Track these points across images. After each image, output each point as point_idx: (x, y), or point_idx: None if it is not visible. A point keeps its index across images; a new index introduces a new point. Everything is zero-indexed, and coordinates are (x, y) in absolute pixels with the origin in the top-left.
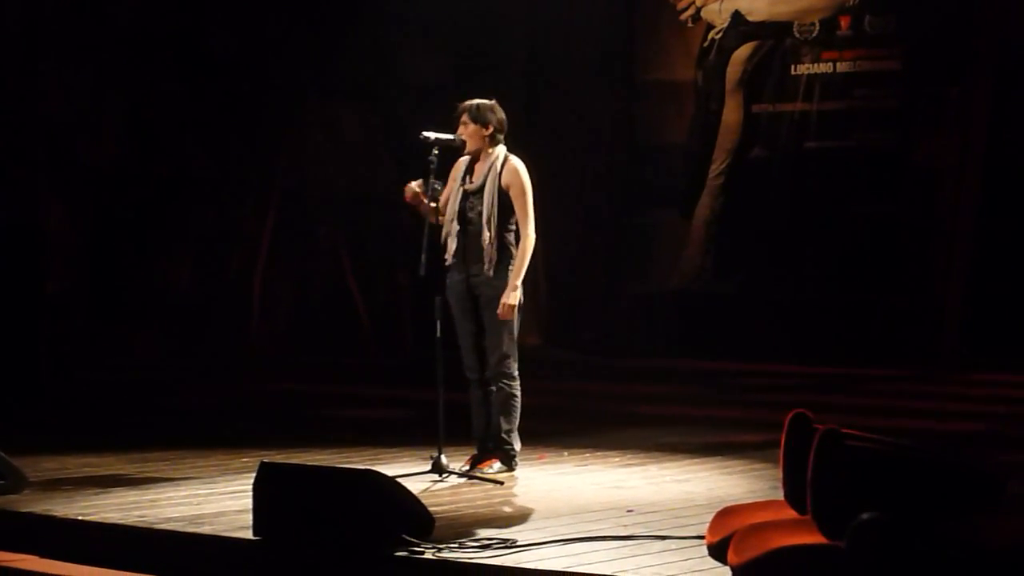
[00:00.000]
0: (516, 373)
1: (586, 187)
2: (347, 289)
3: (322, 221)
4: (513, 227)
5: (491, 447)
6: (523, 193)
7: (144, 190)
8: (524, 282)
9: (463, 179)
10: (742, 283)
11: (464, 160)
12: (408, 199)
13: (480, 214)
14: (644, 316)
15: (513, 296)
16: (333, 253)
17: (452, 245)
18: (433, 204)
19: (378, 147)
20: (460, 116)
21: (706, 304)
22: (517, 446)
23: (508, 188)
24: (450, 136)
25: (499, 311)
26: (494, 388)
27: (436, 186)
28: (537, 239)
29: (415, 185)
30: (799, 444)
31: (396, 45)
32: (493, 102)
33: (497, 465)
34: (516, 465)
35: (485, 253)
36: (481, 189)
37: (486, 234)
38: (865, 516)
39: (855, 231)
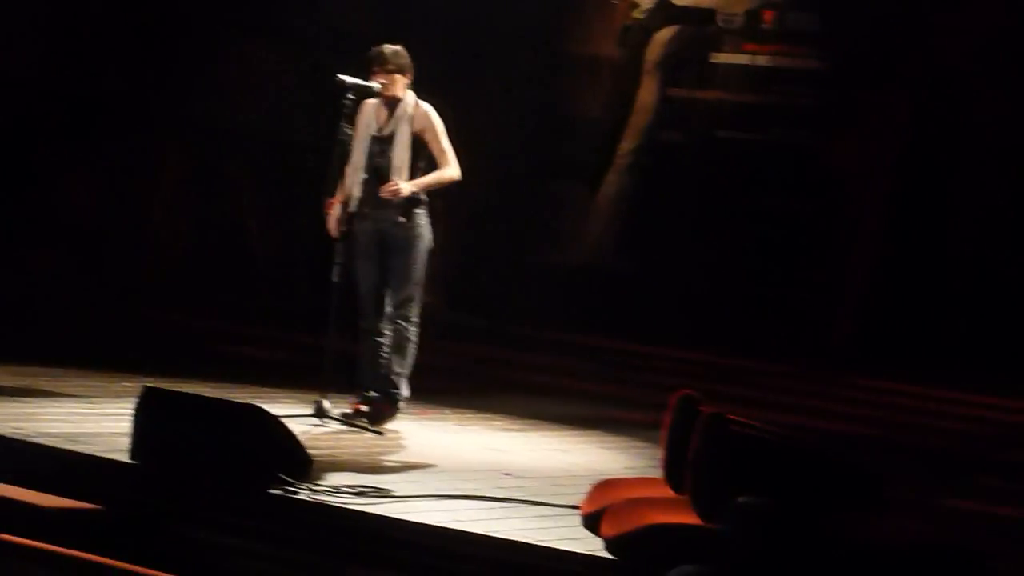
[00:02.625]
0: (416, 319)
1: (499, 152)
2: (246, 227)
3: (229, 158)
4: (424, 174)
5: (377, 392)
6: (437, 134)
7: (56, 107)
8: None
9: (375, 126)
10: (641, 263)
11: (370, 105)
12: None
13: (391, 161)
14: (544, 286)
15: (406, 188)
16: (236, 191)
17: (360, 192)
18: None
19: (293, 89)
20: (381, 63)
21: (605, 281)
22: (405, 392)
23: (422, 132)
24: (367, 83)
25: (386, 187)
26: (392, 330)
27: (347, 131)
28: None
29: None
30: (683, 424)
31: None
32: (402, 48)
33: (379, 414)
34: (400, 410)
35: (400, 196)
36: (392, 136)
37: (401, 177)
38: (745, 500)
39: (760, 224)
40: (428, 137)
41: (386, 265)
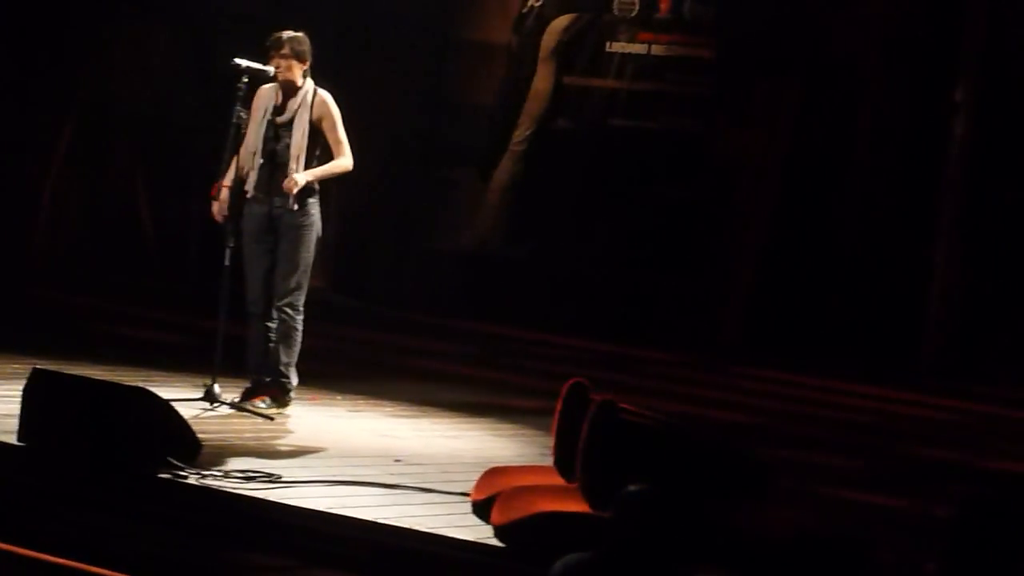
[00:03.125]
0: (302, 307)
1: (389, 136)
2: (137, 209)
3: (120, 138)
4: (318, 161)
5: (266, 380)
6: (334, 123)
7: None
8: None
9: (272, 111)
10: (533, 251)
11: (267, 90)
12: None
13: (288, 147)
14: (433, 272)
15: (302, 179)
16: (128, 171)
17: (254, 177)
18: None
19: (185, 71)
20: (278, 48)
21: (495, 268)
22: (294, 380)
23: (320, 120)
24: (264, 67)
25: (285, 182)
26: (277, 319)
27: (242, 114)
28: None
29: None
30: (574, 412)
31: None
32: (303, 34)
33: (269, 400)
34: (291, 400)
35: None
36: (291, 122)
37: (292, 167)
38: (632, 488)
39: (652, 212)
40: (325, 125)
41: (275, 251)
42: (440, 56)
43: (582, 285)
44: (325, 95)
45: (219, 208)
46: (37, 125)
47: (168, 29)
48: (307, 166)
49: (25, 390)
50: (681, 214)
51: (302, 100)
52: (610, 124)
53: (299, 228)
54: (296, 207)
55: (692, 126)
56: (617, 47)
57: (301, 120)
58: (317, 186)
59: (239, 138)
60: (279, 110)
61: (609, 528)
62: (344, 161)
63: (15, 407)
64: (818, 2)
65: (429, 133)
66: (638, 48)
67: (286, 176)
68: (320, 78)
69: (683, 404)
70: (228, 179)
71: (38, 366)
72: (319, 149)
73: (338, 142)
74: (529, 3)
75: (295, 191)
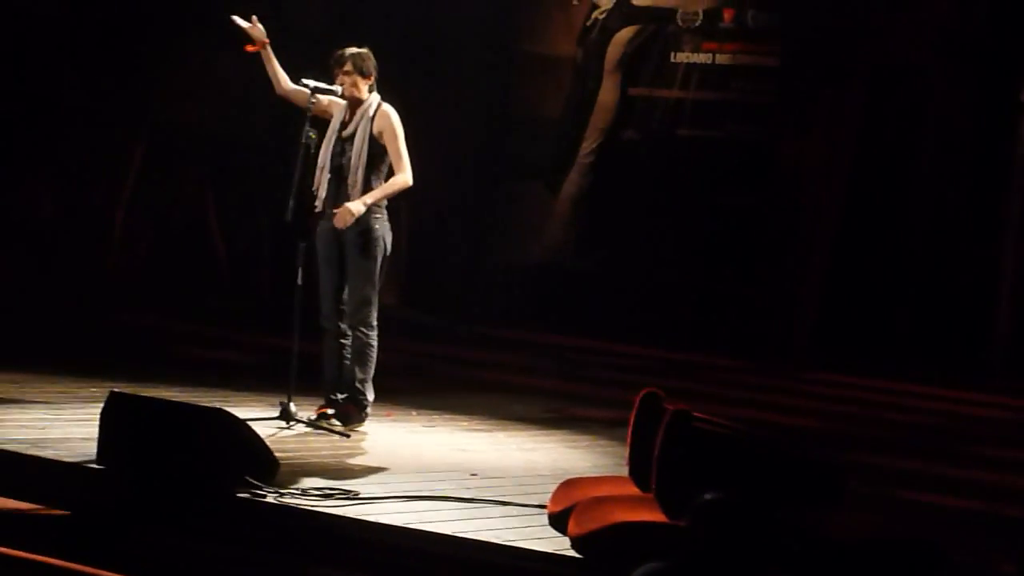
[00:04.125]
0: (375, 323)
1: (457, 152)
2: (208, 228)
3: (190, 159)
4: (383, 175)
5: (342, 397)
6: (395, 137)
7: (13, 109)
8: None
9: (339, 126)
10: (602, 262)
11: (339, 106)
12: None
13: (351, 160)
14: (504, 286)
15: (357, 206)
16: (198, 192)
17: (323, 192)
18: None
19: (254, 91)
20: (341, 65)
21: (566, 280)
22: (370, 396)
23: (380, 134)
24: (331, 86)
25: (339, 212)
26: (351, 336)
27: (311, 133)
28: (412, 189)
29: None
30: (648, 422)
31: None
32: (367, 51)
33: (345, 417)
34: (367, 415)
35: (352, 198)
36: (353, 136)
37: (351, 181)
38: (708, 496)
39: (719, 221)
40: (386, 138)
41: (344, 267)
42: (506, 70)
43: (653, 294)
44: (387, 109)
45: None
46: (108, 148)
47: (233, 50)
48: (370, 181)
49: (103, 413)
50: (749, 221)
51: (365, 114)
52: (676, 134)
53: (364, 244)
54: (360, 222)
55: (758, 134)
56: (681, 57)
57: (363, 134)
58: (384, 202)
59: (308, 156)
60: (345, 125)
61: (685, 537)
62: (402, 177)
63: (93, 430)
64: (880, 7)
65: (497, 147)
66: (702, 58)
67: (348, 190)
68: (386, 93)
69: (755, 410)
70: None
71: (115, 389)
72: (384, 164)
73: (398, 157)
74: (593, 16)
75: (350, 222)
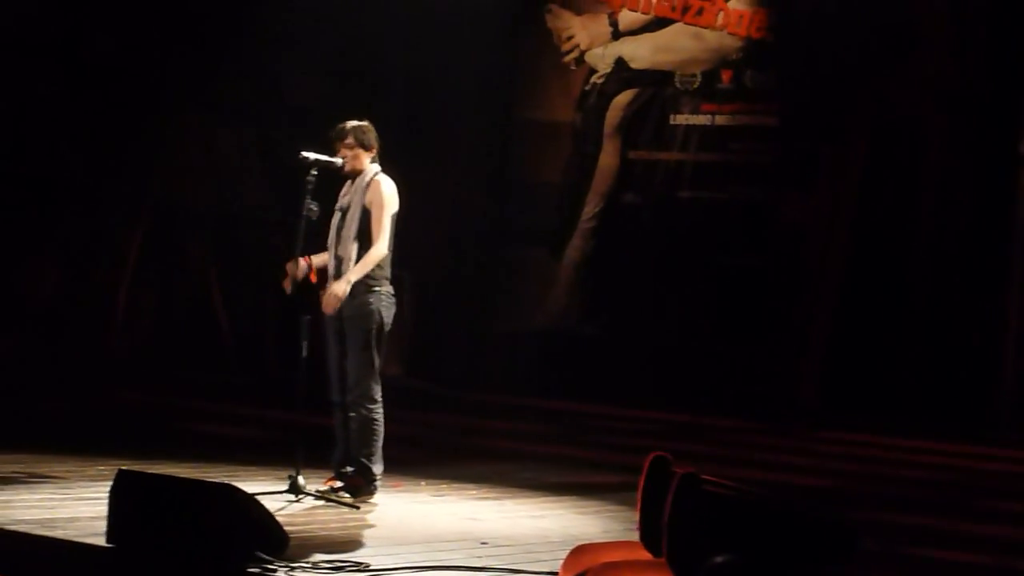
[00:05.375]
0: (377, 397)
1: (458, 220)
2: (212, 305)
3: (192, 236)
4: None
5: (351, 470)
6: (379, 206)
7: (15, 191)
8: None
9: (341, 201)
10: (606, 326)
11: (346, 182)
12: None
13: (343, 232)
14: (508, 352)
15: (340, 288)
16: (200, 269)
17: (328, 267)
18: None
19: (252, 166)
20: (343, 138)
21: (569, 345)
22: (378, 469)
23: (370, 204)
24: (332, 159)
25: (325, 298)
26: (354, 412)
27: (312, 207)
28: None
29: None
30: (657, 486)
31: (276, 65)
32: (368, 123)
33: (354, 489)
34: (375, 490)
35: (345, 271)
36: (349, 207)
37: (346, 252)
38: (719, 559)
39: (722, 282)
40: (373, 209)
41: (345, 342)
42: (505, 137)
43: (658, 357)
44: (380, 179)
45: (290, 273)
46: (109, 227)
47: (232, 127)
48: (362, 250)
49: (112, 492)
50: (752, 281)
51: (360, 186)
52: (677, 196)
53: (357, 319)
54: (353, 298)
55: (759, 194)
56: (680, 119)
57: (356, 206)
58: (378, 273)
59: (309, 229)
60: (345, 198)
61: None
62: (376, 249)
63: (102, 509)
64: (877, 65)
65: (498, 214)
66: (701, 119)
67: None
68: (385, 163)
69: (763, 471)
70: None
71: (123, 467)
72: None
73: (378, 225)
74: (592, 80)
75: (335, 305)
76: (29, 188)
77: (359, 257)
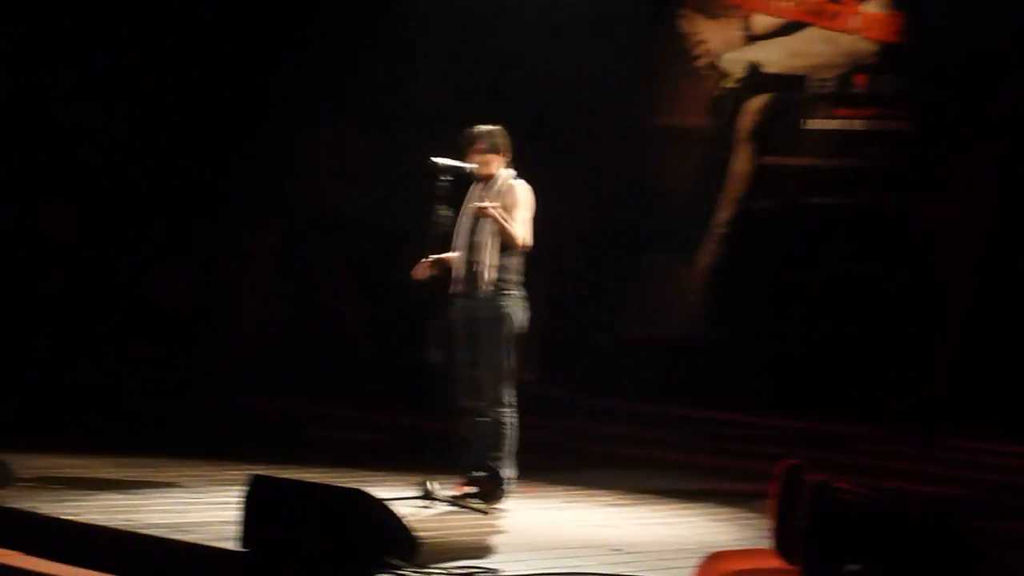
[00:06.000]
0: (510, 401)
1: (589, 227)
2: (343, 310)
3: (322, 243)
4: (513, 253)
5: (482, 475)
6: (516, 204)
7: (146, 198)
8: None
9: (470, 203)
10: (736, 332)
11: (474, 186)
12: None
13: (480, 237)
14: (640, 359)
15: (492, 209)
16: (330, 275)
17: (457, 272)
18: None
19: (383, 172)
20: (474, 144)
21: (701, 351)
22: (509, 474)
23: (510, 207)
24: (463, 164)
25: (478, 205)
26: (486, 416)
27: (442, 211)
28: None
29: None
30: (790, 494)
31: (406, 71)
32: (501, 128)
33: (485, 494)
34: (507, 493)
35: (484, 275)
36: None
37: (482, 257)
38: (850, 569)
39: (854, 288)
40: (508, 203)
41: (478, 346)
42: (636, 143)
43: (787, 364)
44: (516, 183)
45: (421, 267)
46: (240, 234)
47: (363, 131)
48: (499, 255)
49: (246, 496)
50: (883, 288)
51: (495, 189)
52: (810, 202)
53: (492, 322)
54: (490, 300)
55: (892, 200)
56: (814, 124)
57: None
58: (512, 278)
59: (441, 236)
60: (478, 202)
61: None
62: (519, 229)
63: (233, 514)
64: (1013, 68)
65: (630, 221)
66: (835, 124)
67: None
68: (517, 170)
69: (894, 479)
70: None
71: (255, 472)
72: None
73: (520, 225)
74: (723, 85)
75: (485, 211)
76: (161, 194)
77: (495, 259)
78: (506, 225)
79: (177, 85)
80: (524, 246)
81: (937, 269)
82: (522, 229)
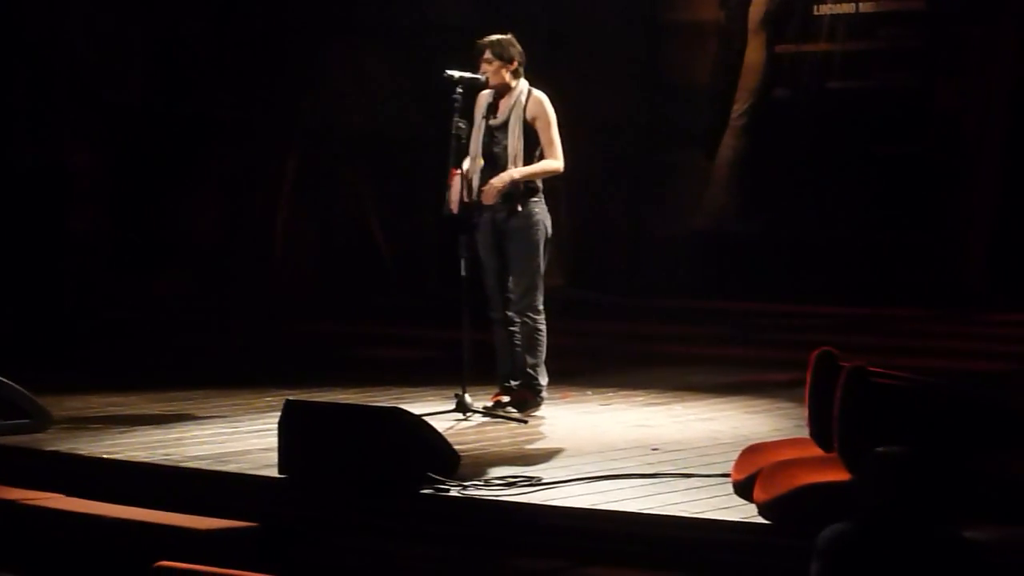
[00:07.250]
0: (541, 307)
1: (609, 127)
2: (369, 229)
3: (345, 161)
4: (536, 162)
5: (517, 384)
6: (548, 124)
7: (168, 130)
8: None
9: (487, 115)
10: (765, 223)
11: (485, 95)
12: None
13: (505, 149)
14: (667, 256)
15: (503, 180)
16: (356, 193)
17: (477, 182)
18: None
19: (401, 87)
20: (482, 53)
21: (729, 244)
22: (543, 380)
23: (534, 120)
24: (474, 75)
25: (485, 189)
26: (519, 323)
27: (461, 124)
28: (564, 172)
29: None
30: (825, 381)
31: None
32: (511, 36)
33: (521, 403)
34: (543, 400)
35: (509, 185)
36: (506, 124)
37: (509, 166)
38: (881, 450)
39: (879, 171)
40: (539, 126)
41: (505, 256)
42: (652, 40)
43: (818, 251)
44: (539, 95)
45: (455, 197)
46: (263, 159)
47: (381, 48)
48: (525, 165)
49: (281, 422)
50: (909, 170)
51: (516, 101)
52: (827, 87)
53: (523, 230)
54: (518, 208)
55: (910, 81)
56: (825, 9)
57: (516, 121)
58: (540, 184)
59: (460, 148)
60: (493, 114)
61: (861, 493)
62: (554, 163)
63: (272, 441)
64: None
65: (649, 118)
66: (847, 8)
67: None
68: (534, 75)
69: (936, 358)
70: (465, 166)
71: (290, 397)
72: (538, 150)
73: (550, 143)
74: None
75: (496, 196)
76: (183, 126)
77: (519, 170)
78: (535, 171)
79: (191, 12)
80: (556, 168)
81: (961, 146)
82: (557, 152)
